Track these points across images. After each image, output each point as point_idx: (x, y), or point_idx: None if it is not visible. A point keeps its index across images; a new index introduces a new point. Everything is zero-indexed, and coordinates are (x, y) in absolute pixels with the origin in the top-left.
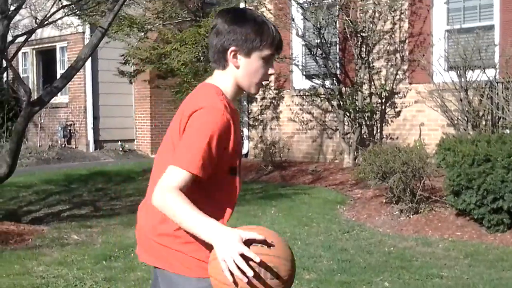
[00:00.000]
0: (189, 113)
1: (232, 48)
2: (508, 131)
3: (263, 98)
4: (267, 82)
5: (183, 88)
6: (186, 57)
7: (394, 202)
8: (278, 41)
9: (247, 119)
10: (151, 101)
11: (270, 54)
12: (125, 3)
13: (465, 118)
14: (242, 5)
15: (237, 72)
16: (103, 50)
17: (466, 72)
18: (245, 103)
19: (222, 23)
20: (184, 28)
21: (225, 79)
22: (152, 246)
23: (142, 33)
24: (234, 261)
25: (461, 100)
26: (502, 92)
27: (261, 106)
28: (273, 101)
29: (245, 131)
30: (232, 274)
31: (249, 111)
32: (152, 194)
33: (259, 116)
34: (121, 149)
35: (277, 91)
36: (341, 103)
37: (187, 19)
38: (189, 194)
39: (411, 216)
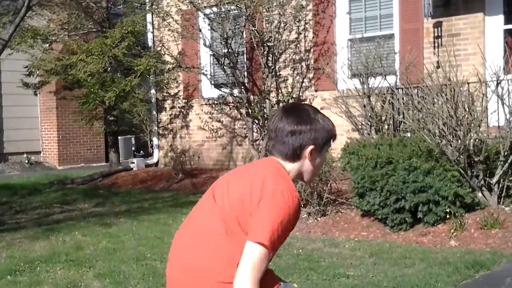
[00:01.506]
0: (269, 188)
1: (311, 147)
2: (408, 134)
3: (172, 107)
4: None
5: (90, 99)
6: (92, 67)
7: (302, 205)
8: (335, 133)
9: (156, 128)
10: (57, 112)
11: (330, 146)
12: (28, 15)
13: (369, 123)
14: (149, 16)
15: (306, 166)
16: (6, 62)
17: (369, 79)
18: (154, 112)
19: (297, 124)
20: (90, 39)
21: (292, 168)
22: None
23: (47, 44)
24: None
25: (364, 106)
26: (403, 98)
27: (170, 115)
28: (183, 110)
29: (155, 140)
30: None
31: (159, 120)
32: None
33: (169, 125)
34: (27, 161)
35: (186, 100)
36: (250, 111)
37: (93, 30)
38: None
39: (319, 219)
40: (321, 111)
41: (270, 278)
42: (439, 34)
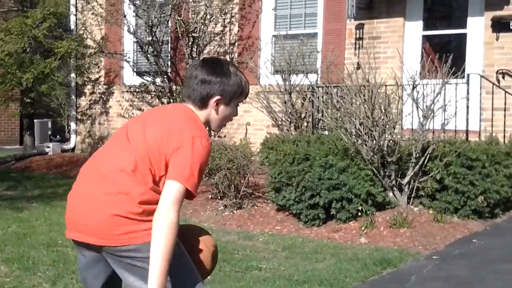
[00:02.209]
0: (187, 136)
1: (217, 97)
2: (326, 132)
3: (92, 93)
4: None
5: (7, 79)
6: (10, 47)
7: (219, 197)
8: (248, 91)
9: (75, 113)
10: None
11: (241, 101)
12: None
13: (289, 119)
14: None
15: (212, 115)
16: None
17: (291, 76)
18: (73, 96)
19: (209, 74)
20: (10, 18)
21: (200, 115)
22: (113, 223)
23: None
24: None
25: (285, 102)
26: (322, 96)
27: (90, 100)
28: (103, 96)
29: (73, 125)
30: None
31: (77, 105)
32: (113, 164)
33: (88, 110)
34: None
35: (107, 86)
36: (171, 100)
37: (14, 8)
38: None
39: (235, 211)
40: (243, 105)
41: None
42: (361, 36)
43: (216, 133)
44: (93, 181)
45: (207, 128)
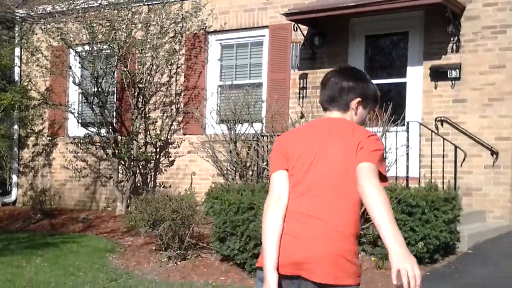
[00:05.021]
0: (364, 137)
1: (358, 99)
2: None
3: (35, 145)
4: None
5: None
6: None
7: (163, 249)
8: (379, 99)
9: (17, 166)
10: None
11: (373, 108)
12: None
13: (234, 168)
14: (17, 50)
15: (353, 116)
16: None
17: (236, 125)
18: (15, 149)
19: (351, 79)
20: None
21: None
22: (343, 263)
23: None
24: (412, 268)
25: (230, 151)
26: (267, 145)
27: (33, 152)
28: (46, 148)
29: (14, 178)
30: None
31: (20, 158)
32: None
33: (30, 162)
34: None
35: (50, 138)
36: (116, 151)
37: None
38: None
39: (179, 263)
40: (188, 155)
41: None
42: (304, 86)
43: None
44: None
45: None
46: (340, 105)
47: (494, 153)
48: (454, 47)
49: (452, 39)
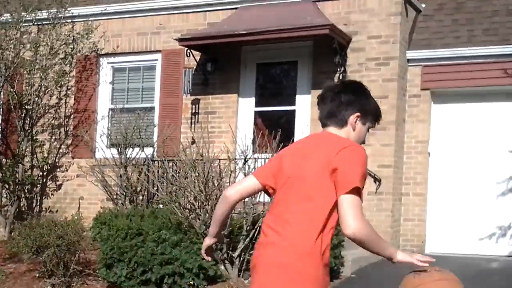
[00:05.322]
0: (338, 150)
1: (357, 114)
2: (161, 206)
3: None
4: None
5: None
6: None
7: (47, 276)
8: (381, 117)
9: None
10: None
11: (373, 125)
12: None
13: (124, 193)
14: None
15: (350, 132)
16: None
17: (127, 150)
18: None
19: (350, 93)
20: None
21: (340, 134)
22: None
23: None
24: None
25: (120, 176)
26: (158, 170)
27: None
28: None
29: None
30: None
31: None
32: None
33: None
34: None
35: None
36: (1, 175)
37: None
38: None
39: None
40: (77, 179)
41: None
42: (196, 111)
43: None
44: None
45: None
46: (338, 120)
47: (377, 180)
48: (341, 77)
49: (338, 69)
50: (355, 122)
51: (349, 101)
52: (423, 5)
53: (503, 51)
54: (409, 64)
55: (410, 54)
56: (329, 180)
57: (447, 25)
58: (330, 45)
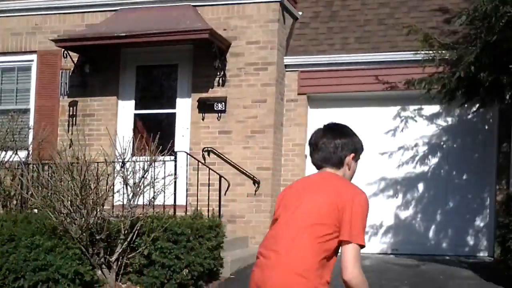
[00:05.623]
0: (350, 201)
1: (352, 154)
2: (36, 210)
3: None
4: None
5: None
6: None
7: None
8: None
9: None
10: None
11: (359, 158)
12: None
13: None
14: None
15: (346, 171)
16: None
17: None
18: None
19: (341, 137)
20: None
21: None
22: None
23: None
24: None
25: None
26: (32, 174)
27: None
28: None
29: None
30: None
31: None
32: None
33: None
34: None
35: None
36: None
37: None
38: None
39: None
40: None
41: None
42: (74, 113)
43: None
44: None
45: None
46: (334, 162)
47: (256, 182)
48: (221, 81)
49: (218, 73)
50: (351, 161)
51: (343, 144)
52: (300, 13)
53: (374, 59)
54: (287, 70)
55: (288, 60)
56: (332, 209)
57: (323, 33)
58: (210, 50)
